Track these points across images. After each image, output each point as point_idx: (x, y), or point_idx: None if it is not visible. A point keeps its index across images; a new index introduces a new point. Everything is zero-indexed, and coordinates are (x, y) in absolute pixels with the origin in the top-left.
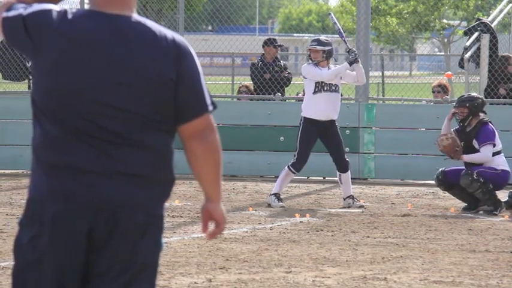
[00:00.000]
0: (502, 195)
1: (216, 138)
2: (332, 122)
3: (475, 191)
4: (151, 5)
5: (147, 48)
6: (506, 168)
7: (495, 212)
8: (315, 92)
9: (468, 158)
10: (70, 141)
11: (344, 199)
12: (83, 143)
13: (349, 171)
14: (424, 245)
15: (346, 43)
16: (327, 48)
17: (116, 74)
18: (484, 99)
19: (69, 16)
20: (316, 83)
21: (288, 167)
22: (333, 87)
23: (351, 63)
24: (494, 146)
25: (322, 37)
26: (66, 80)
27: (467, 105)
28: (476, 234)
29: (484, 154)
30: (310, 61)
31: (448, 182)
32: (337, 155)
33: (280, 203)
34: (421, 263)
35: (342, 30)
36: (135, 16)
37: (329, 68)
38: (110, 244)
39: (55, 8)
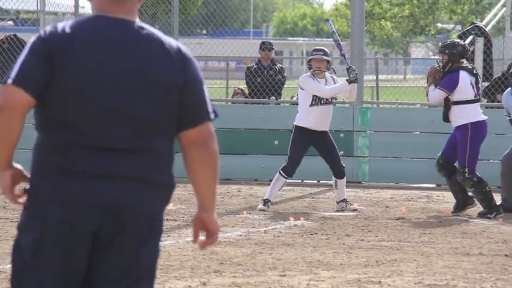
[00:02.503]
0: (497, 198)
1: (216, 147)
2: (324, 131)
3: (469, 189)
4: (145, 9)
5: (157, 54)
6: (480, 118)
7: (489, 216)
8: (311, 105)
9: (430, 91)
10: (78, 147)
11: (337, 202)
12: (91, 148)
13: (345, 176)
14: (418, 248)
15: (345, 58)
16: (329, 58)
17: (130, 77)
18: (467, 46)
19: (76, 25)
20: (313, 95)
21: (280, 171)
22: (329, 100)
23: (350, 82)
24: (448, 95)
25: (323, 48)
26: (77, 83)
27: (447, 51)
28: (470, 237)
29: (434, 95)
30: (309, 71)
31: (449, 166)
32: (334, 162)
33: (261, 207)
34: (415, 266)
35: (340, 43)
36: (139, 21)
37: (326, 79)
38: (113, 248)
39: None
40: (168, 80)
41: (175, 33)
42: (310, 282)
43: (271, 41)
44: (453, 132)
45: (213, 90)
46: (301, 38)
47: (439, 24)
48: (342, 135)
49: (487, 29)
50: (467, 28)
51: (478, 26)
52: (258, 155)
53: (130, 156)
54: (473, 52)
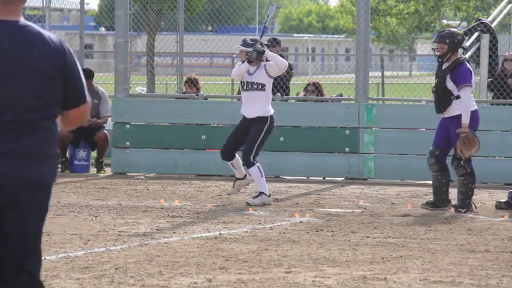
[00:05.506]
0: (503, 195)
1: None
2: (259, 119)
3: (458, 176)
4: (151, 5)
5: (39, 46)
6: (475, 107)
7: (460, 210)
8: (241, 90)
9: (464, 114)
10: None
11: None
12: None
13: (252, 168)
14: (424, 245)
15: (258, 42)
16: (249, 49)
17: (14, 69)
18: (464, 36)
19: None
20: (241, 82)
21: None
22: (254, 86)
23: (249, 62)
24: (471, 87)
25: (249, 38)
26: None
27: (447, 41)
28: (476, 234)
29: (465, 99)
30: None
31: (443, 159)
32: (244, 148)
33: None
34: (421, 263)
35: (265, 30)
36: (22, 20)
37: (264, 64)
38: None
39: None
40: (50, 68)
41: (181, 30)
42: (316, 278)
43: (276, 38)
44: (443, 122)
45: (218, 86)
46: (306, 35)
47: (445, 21)
48: (347, 132)
49: (492, 26)
50: (473, 24)
51: (483, 22)
52: (263, 152)
53: (23, 134)
54: (478, 49)
